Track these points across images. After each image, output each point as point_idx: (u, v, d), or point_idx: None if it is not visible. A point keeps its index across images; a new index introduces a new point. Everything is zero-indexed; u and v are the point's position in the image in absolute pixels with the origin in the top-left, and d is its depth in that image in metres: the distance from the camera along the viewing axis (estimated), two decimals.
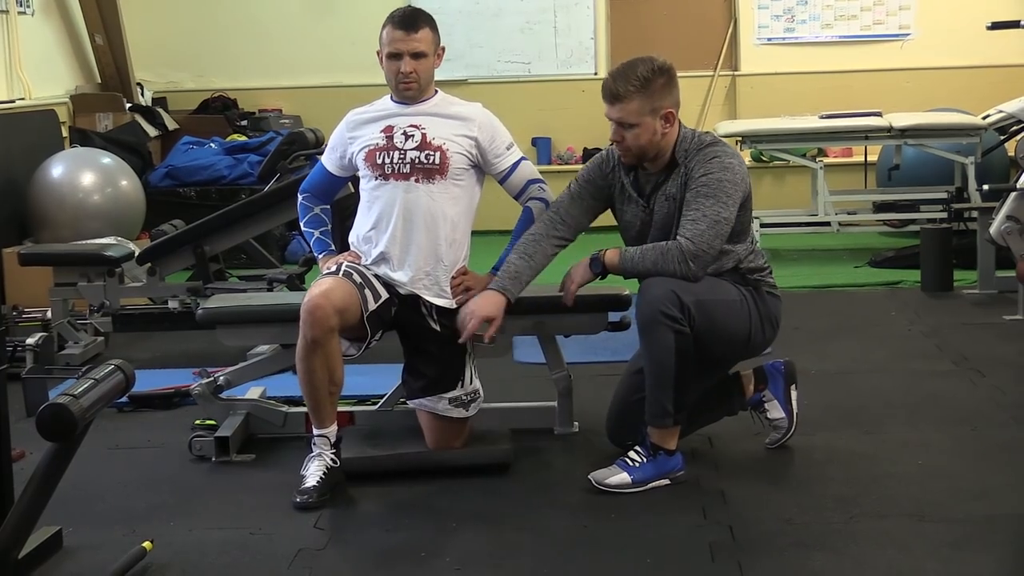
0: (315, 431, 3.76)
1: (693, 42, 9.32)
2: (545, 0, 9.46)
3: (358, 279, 3.78)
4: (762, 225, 7.58)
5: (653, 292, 3.59)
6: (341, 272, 3.78)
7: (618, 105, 3.68)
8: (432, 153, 3.86)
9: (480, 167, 3.96)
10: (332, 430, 3.76)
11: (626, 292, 4.15)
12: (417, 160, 3.85)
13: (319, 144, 6.68)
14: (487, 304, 3.72)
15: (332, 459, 3.72)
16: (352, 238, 3.97)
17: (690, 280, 3.60)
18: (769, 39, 9.49)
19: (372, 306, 3.76)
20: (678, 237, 3.62)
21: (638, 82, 3.65)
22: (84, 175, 7.33)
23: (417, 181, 3.85)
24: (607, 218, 3.95)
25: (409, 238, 3.84)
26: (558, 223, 3.86)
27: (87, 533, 3.42)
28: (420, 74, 3.87)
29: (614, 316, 4.20)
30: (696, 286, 3.61)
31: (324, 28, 9.47)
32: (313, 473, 3.68)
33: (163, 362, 5.43)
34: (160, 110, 9.11)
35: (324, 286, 3.70)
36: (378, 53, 3.93)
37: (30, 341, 5.04)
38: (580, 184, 3.89)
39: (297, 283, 5.66)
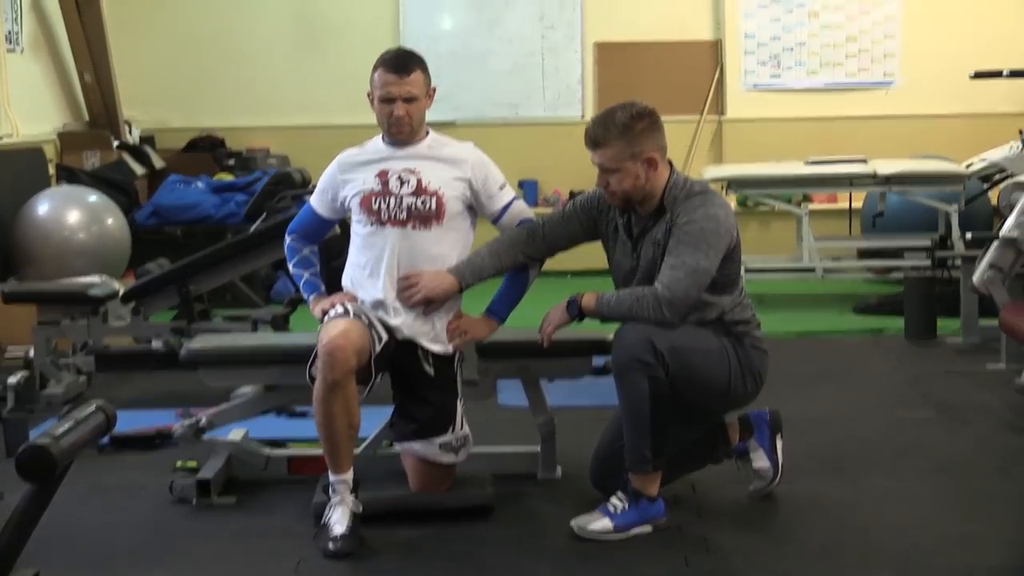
0: (333, 477, 3.69)
1: (680, 86, 9.38)
2: (533, 43, 9.52)
3: (365, 320, 3.75)
4: (747, 271, 7.56)
5: (628, 338, 3.60)
6: (352, 314, 3.74)
7: (599, 150, 3.70)
8: (428, 199, 3.85)
9: (473, 208, 3.95)
10: (350, 475, 3.70)
11: (610, 337, 4.14)
12: (413, 206, 3.84)
13: (306, 184, 6.68)
14: (437, 286, 3.78)
15: (354, 504, 3.66)
16: (346, 282, 3.95)
17: (665, 327, 3.60)
18: (755, 85, 9.56)
19: (378, 348, 3.73)
20: (656, 284, 3.63)
21: (616, 128, 3.67)
22: (70, 213, 7.32)
23: (414, 228, 3.84)
24: (592, 261, 3.96)
25: None
26: (537, 237, 3.90)
27: None
28: (413, 117, 3.87)
29: (598, 361, 4.19)
30: (673, 333, 3.60)
31: (312, 68, 9.50)
32: (340, 520, 3.61)
33: (146, 402, 5.39)
34: (148, 148, 9.12)
35: (341, 327, 3.64)
36: (369, 95, 3.92)
37: (12, 380, 5.00)
38: (574, 208, 3.92)
39: (282, 323, 5.64)
